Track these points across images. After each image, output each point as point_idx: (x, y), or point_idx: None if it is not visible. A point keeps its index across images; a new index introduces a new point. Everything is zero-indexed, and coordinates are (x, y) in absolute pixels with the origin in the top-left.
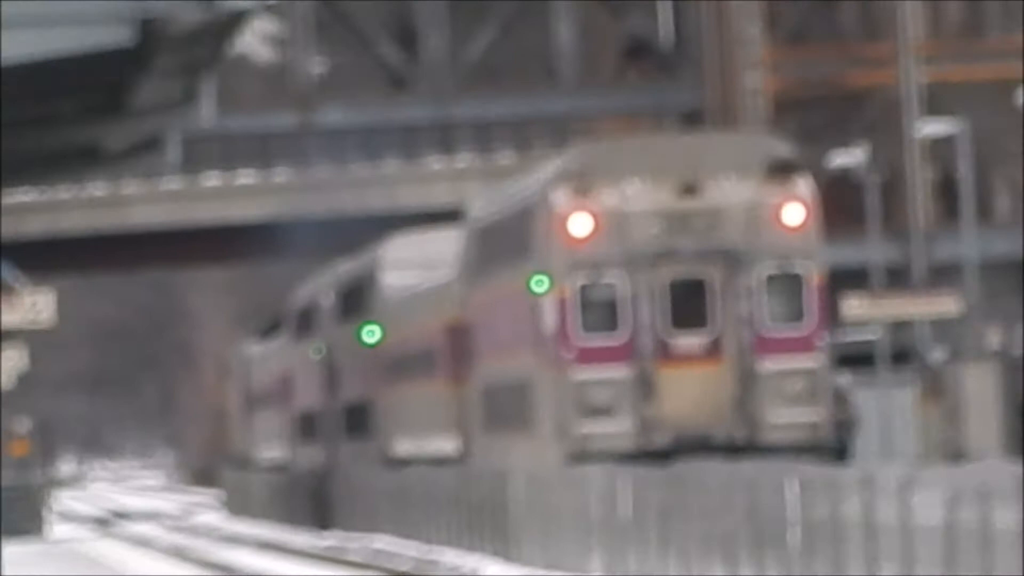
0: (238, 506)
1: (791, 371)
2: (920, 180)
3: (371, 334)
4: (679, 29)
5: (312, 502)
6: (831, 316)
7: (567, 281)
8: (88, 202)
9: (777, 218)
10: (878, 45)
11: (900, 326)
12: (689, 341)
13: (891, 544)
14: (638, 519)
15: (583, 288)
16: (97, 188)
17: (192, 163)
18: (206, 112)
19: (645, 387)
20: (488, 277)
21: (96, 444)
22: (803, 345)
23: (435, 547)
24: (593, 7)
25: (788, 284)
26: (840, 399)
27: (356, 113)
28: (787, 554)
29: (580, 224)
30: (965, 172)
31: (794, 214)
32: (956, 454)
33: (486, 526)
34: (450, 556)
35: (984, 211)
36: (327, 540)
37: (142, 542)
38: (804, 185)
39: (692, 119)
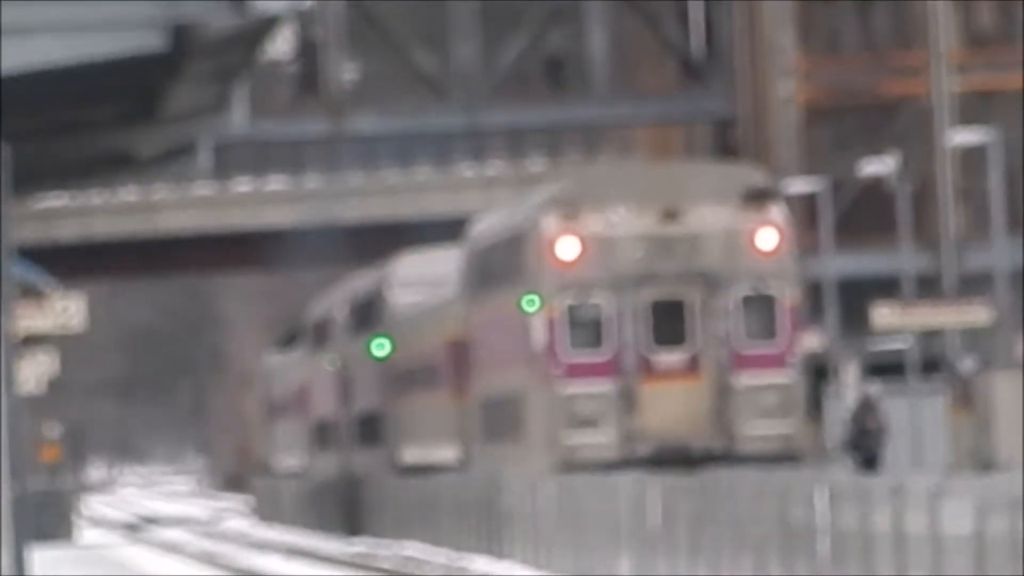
0: (268, 512)
1: (766, 386)
2: (951, 189)
3: (381, 347)
4: (711, 37)
5: (342, 509)
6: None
7: (556, 301)
8: (120, 207)
9: (752, 243)
10: (910, 54)
11: (931, 335)
12: (670, 358)
13: (921, 553)
14: (667, 527)
15: (571, 308)
16: (129, 193)
17: (223, 169)
18: (238, 118)
19: (628, 401)
20: (485, 296)
21: (126, 449)
22: (777, 361)
23: (465, 554)
24: (626, 14)
25: (763, 305)
26: (870, 408)
27: (388, 120)
28: (816, 563)
29: (568, 248)
30: (996, 181)
31: (768, 239)
32: (986, 463)
33: (516, 533)
34: (480, 563)
35: (1015, 220)
36: (356, 547)
37: (172, 548)
38: (778, 212)
39: (724, 127)
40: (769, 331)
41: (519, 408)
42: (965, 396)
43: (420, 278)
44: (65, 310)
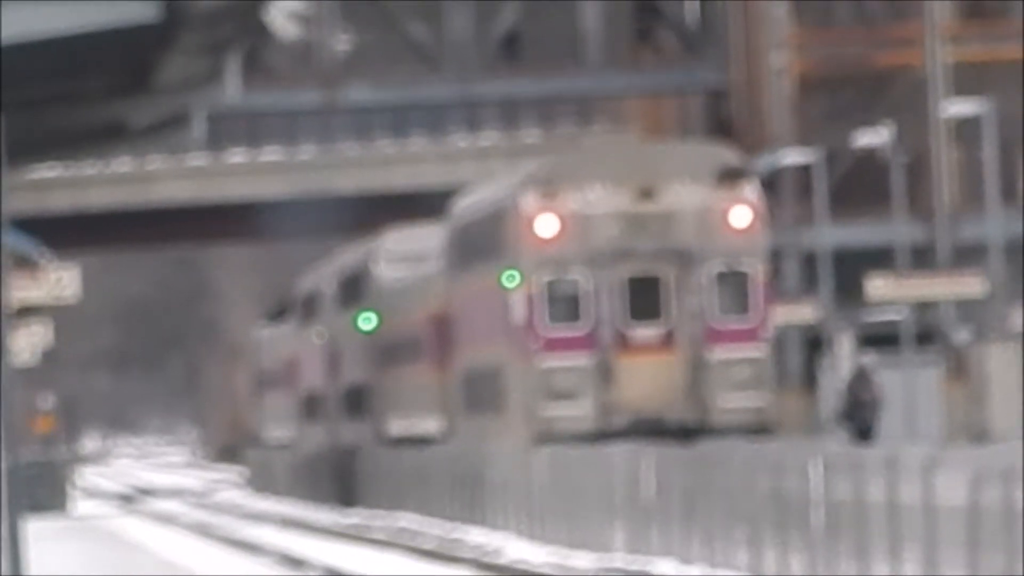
0: (261, 484)
1: (739, 360)
2: (945, 161)
3: (367, 321)
4: (705, 8)
5: (336, 480)
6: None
7: (535, 277)
8: (113, 178)
9: (726, 221)
10: (904, 25)
11: (925, 306)
12: (645, 332)
13: (915, 524)
14: (662, 499)
15: (549, 284)
16: (122, 164)
17: (217, 140)
18: (232, 89)
19: (605, 374)
20: (467, 272)
21: (120, 421)
22: (749, 336)
23: (459, 525)
24: None
25: (736, 281)
26: (864, 379)
27: (381, 91)
28: (810, 535)
29: (547, 225)
30: (991, 152)
31: (741, 217)
32: (980, 434)
33: (510, 505)
34: (474, 535)
35: (1009, 192)
36: (351, 518)
37: (166, 519)
38: (751, 190)
39: (718, 99)
40: (742, 306)
41: (499, 381)
42: (959, 367)
43: (406, 253)
44: (59, 281)
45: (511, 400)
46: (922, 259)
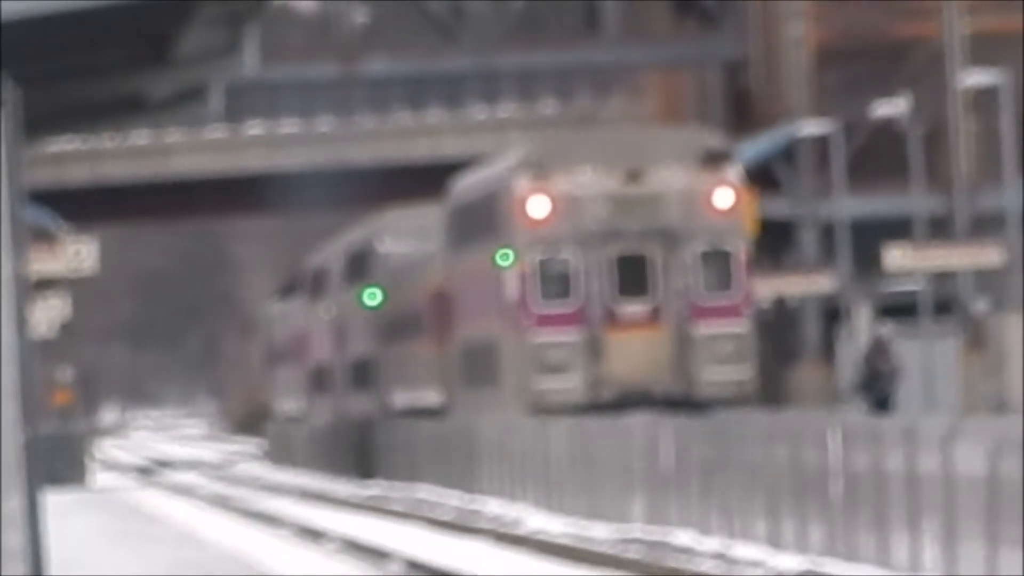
0: (280, 455)
1: (722, 335)
2: (963, 131)
3: (372, 297)
4: None
5: (354, 452)
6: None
7: (527, 256)
8: (131, 151)
9: (710, 202)
10: None
11: (943, 277)
12: (633, 308)
13: (933, 495)
14: (680, 470)
15: (541, 262)
16: (140, 137)
17: (236, 112)
18: (250, 61)
19: (594, 349)
20: (464, 251)
21: (139, 393)
22: (732, 312)
23: (478, 497)
24: None
25: (719, 259)
26: (882, 349)
27: (399, 63)
28: (829, 505)
29: (539, 207)
30: (1008, 123)
31: (725, 198)
32: (998, 404)
33: (528, 476)
34: (493, 506)
35: None
36: (370, 490)
37: (184, 491)
38: (734, 173)
39: (735, 70)
40: (725, 284)
41: (494, 356)
42: (977, 337)
43: (409, 231)
44: (77, 254)
45: (506, 373)
46: (940, 229)
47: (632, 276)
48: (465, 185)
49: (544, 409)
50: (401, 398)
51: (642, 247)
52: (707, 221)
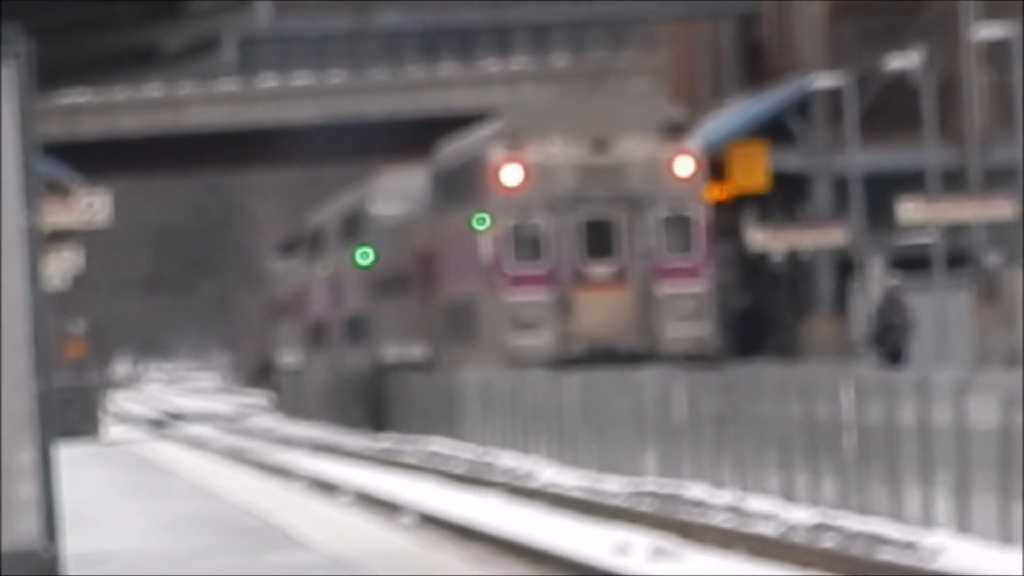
0: (292, 408)
1: (682, 294)
2: (976, 84)
3: (365, 256)
4: None
5: (367, 405)
6: (885, 219)
7: (502, 221)
8: (144, 103)
9: (671, 170)
10: None
11: (956, 230)
12: (600, 270)
13: (946, 448)
14: (693, 423)
15: (515, 227)
16: (153, 89)
17: (248, 65)
18: (263, 13)
19: (564, 307)
20: (446, 215)
21: (151, 345)
22: (692, 273)
23: (490, 450)
24: None
25: (680, 224)
26: (895, 303)
27: (412, 15)
28: (842, 458)
29: (512, 175)
30: (1021, 76)
31: (685, 167)
32: (1011, 357)
33: (541, 429)
34: (505, 459)
35: None
36: (382, 443)
37: (197, 444)
38: (693, 143)
39: (748, 22)
40: (685, 247)
41: (472, 313)
42: (990, 291)
43: (399, 193)
44: (90, 206)
45: (483, 330)
46: (953, 182)
47: (599, 239)
48: (447, 152)
49: (518, 363)
50: (391, 353)
51: (608, 212)
52: (669, 188)
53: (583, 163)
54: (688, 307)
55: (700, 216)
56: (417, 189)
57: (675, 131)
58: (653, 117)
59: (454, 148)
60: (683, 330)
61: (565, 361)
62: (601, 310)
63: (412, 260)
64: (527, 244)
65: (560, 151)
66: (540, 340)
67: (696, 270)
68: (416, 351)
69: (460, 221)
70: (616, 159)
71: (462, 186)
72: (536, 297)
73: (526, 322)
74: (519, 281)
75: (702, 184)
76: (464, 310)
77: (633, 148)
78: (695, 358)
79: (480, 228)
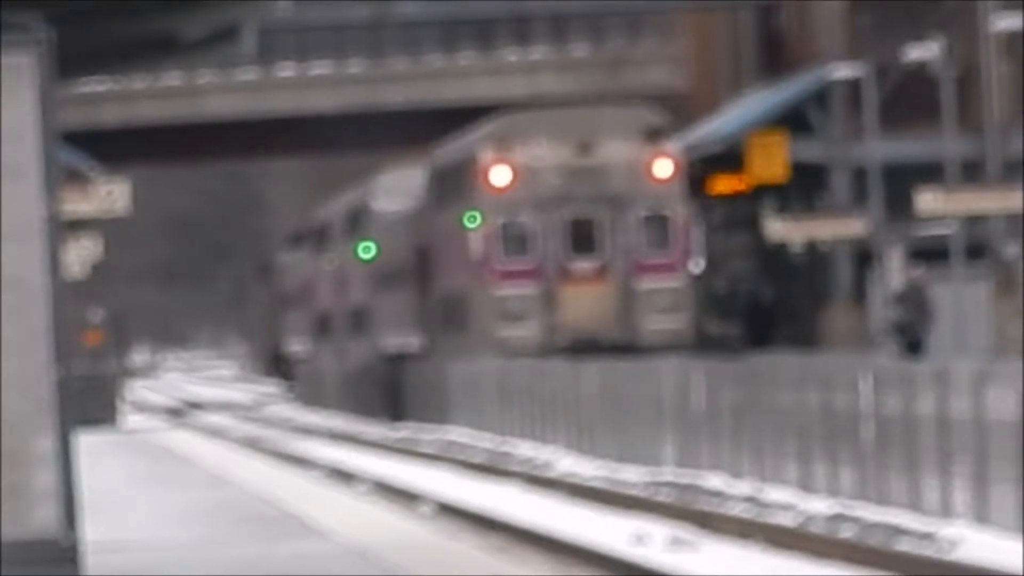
0: (310, 397)
1: (661, 289)
2: (995, 74)
3: (367, 250)
4: None
5: (385, 394)
6: (903, 209)
7: (491, 219)
8: (163, 92)
9: (651, 172)
10: None
11: (974, 220)
12: (583, 265)
13: (964, 438)
14: (711, 413)
15: (503, 224)
16: (172, 78)
17: (267, 53)
18: (282, 2)
19: (550, 300)
20: (440, 212)
21: (169, 334)
22: (670, 269)
23: (509, 439)
24: None
25: (659, 222)
26: (914, 293)
27: (431, 4)
28: (860, 449)
29: (501, 176)
30: None
31: (664, 168)
32: None
33: (559, 419)
34: (524, 448)
35: None
36: (400, 432)
37: (215, 432)
38: (672, 146)
39: (767, 12)
40: (664, 244)
41: (464, 306)
42: (1008, 281)
43: (400, 190)
44: (109, 195)
45: (473, 322)
46: (972, 173)
47: (582, 237)
48: (442, 153)
49: (506, 354)
50: (391, 343)
51: (591, 211)
52: (648, 188)
53: (568, 165)
54: (666, 301)
55: (679, 215)
56: (416, 187)
57: (655, 135)
58: (634, 122)
59: (449, 149)
60: (661, 323)
61: (550, 351)
62: (584, 303)
63: (410, 255)
64: (515, 241)
65: (546, 153)
66: (527, 331)
67: (674, 266)
68: (413, 342)
69: (453, 218)
70: (599, 161)
71: (455, 185)
72: (523, 291)
73: (514, 314)
74: (507, 276)
75: (681, 185)
76: (456, 303)
77: (615, 151)
78: (673, 349)
79: (471, 225)
